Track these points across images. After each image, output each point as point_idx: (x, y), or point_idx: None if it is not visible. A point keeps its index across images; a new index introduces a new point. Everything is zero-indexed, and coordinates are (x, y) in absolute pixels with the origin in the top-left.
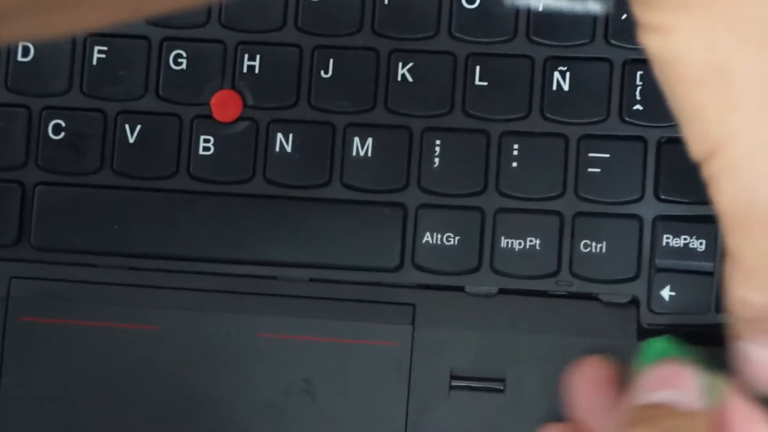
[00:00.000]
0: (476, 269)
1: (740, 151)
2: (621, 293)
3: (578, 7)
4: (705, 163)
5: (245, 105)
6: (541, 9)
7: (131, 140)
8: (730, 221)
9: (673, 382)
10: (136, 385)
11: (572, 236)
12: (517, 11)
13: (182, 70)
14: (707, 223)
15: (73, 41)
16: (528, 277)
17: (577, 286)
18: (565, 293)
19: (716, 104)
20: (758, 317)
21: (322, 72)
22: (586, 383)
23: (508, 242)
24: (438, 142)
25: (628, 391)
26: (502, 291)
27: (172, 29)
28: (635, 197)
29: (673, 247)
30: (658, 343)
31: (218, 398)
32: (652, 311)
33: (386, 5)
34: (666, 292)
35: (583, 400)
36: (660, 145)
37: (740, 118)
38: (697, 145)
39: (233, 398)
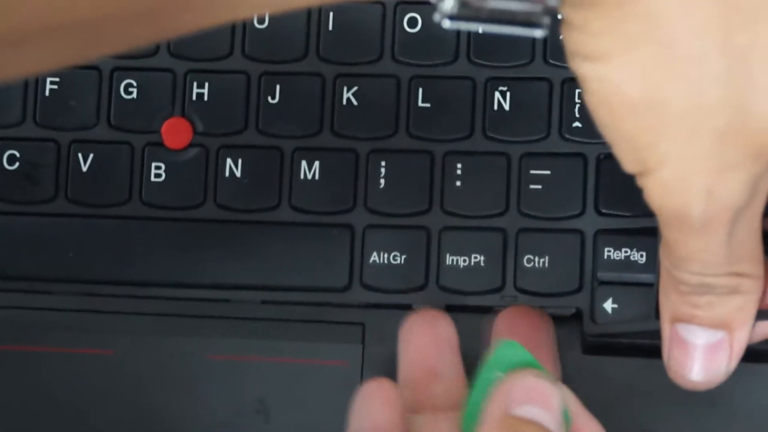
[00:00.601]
0: (423, 287)
1: (671, 175)
2: (565, 306)
3: (517, 32)
4: (638, 178)
5: (195, 132)
6: (480, 31)
7: (84, 169)
8: (664, 223)
9: (542, 400)
10: (93, 409)
11: (516, 252)
12: (458, 34)
13: (133, 99)
14: (647, 236)
15: None
16: (473, 293)
17: (522, 301)
18: None
19: (648, 132)
20: (692, 292)
21: (269, 98)
22: (425, 341)
23: (453, 259)
24: (383, 163)
25: (497, 393)
26: (449, 307)
27: (122, 59)
28: (576, 212)
29: (614, 259)
30: (511, 348)
31: (173, 420)
32: (595, 323)
33: (330, 31)
34: (608, 305)
35: (421, 359)
36: (599, 160)
37: (671, 146)
38: (628, 165)
39: (188, 420)
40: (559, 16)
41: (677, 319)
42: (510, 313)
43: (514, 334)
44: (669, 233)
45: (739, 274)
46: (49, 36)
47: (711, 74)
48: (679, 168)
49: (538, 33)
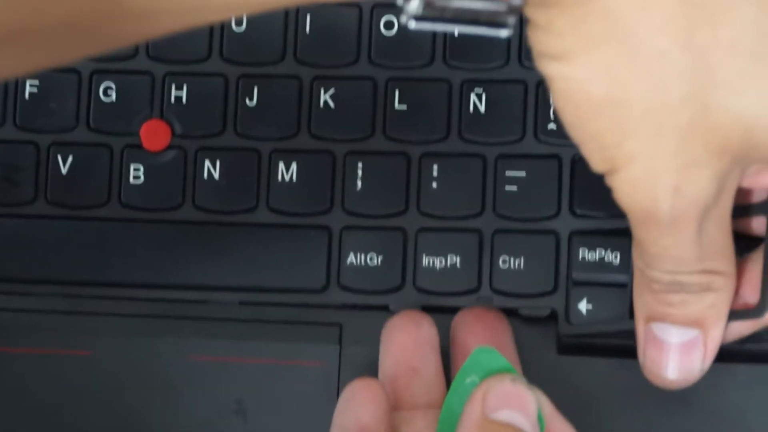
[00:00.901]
0: (399, 288)
1: (638, 172)
2: (540, 307)
3: (482, 32)
4: (606, 176)
5: (173, 134)
6: (446, 32)
7: (64, 171)
8: (634, 222)
9: (518, 404)
10: (71, 410)
11: (491, 253)
12: (434, 37)
13: (112, 101)
14: (621, 237)
15: None
16: (450, 294)
17: (498, 301)
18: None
19: (614, 130)
20: (666, 290)
21: (247, 100)
22: (408, 340)
23: (429, 260)
24: (360, 165)
25: (473, 397)
26: (425, 308)
27: (101, 62)
28: (552, 213)
29: (588, 260)
30: (488, 353)
31: (151, 421)
32: (570, 324)
33: (308, 34)
34: (583, 305)
35: (403, 358)
36: (574, 162)
37: (638, 144)
38: (596, 164)
39: (166, 420)
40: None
41: (651, 318)
42: (468, 315)
43: (474, 335)
44: (639, 232)
45: (710, 272)
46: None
47: (673, 71)
48: (646, 165)
49: (503, 32)
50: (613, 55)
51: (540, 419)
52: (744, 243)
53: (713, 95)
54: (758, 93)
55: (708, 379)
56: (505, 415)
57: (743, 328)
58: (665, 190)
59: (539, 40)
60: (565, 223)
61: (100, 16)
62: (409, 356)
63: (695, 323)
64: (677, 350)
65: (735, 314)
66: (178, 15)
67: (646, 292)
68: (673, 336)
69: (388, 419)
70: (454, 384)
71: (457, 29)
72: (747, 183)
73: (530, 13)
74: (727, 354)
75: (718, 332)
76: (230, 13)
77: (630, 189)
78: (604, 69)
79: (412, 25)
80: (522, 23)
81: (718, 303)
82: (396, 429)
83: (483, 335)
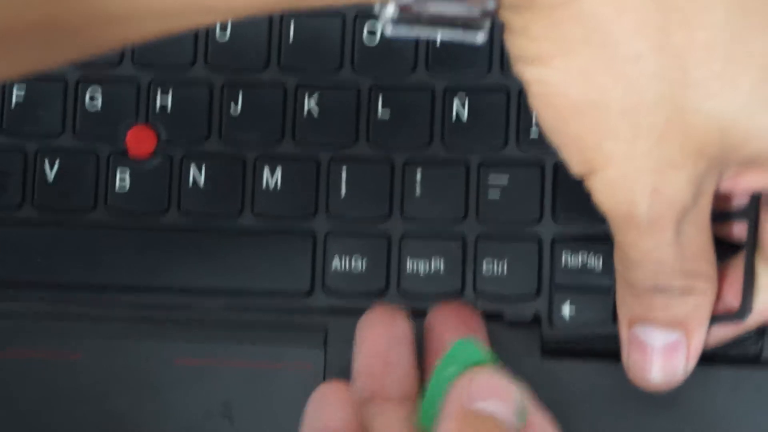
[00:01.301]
0: (384, 291)
1: (616, 174)
2: (523, 311)
3: (458, 36)
4: (585, 180)
5: (159, 140)
6: (438, 43)
7: (51, 177)
8: (614, 225)
9: (499, 395)
10: (59, 413)
11: (475, 258)
12: (416, 44)
13: (97, 108)
14: (604, 242)
15: None
16: (433, 298)
17: (481, 305)
18: None
19: (591, 132)
20: (647, 293)
21: (232, 107)
22: (381, 334)
23: (414, 265)
24: (344, 171)
25: (456, 388)
26: (411, 312)
27: (87, 69)
28: (534, 219)
29: (571, 265)
30: (469, 344)
31: (139, 424)
32: (553, 327)
33: (291, 42)
34: (567, 309)
35: (376, 352)
36: (556, 168)
37: (614, 146)
38: (575, 167)
39: (154, 423)
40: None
41: (634, 321)
42: (444, 309)
43: (448, 328)
44: (620, 235)
45: (691, 275)
46: None
47: (648, 73)
48: (623, 167)
49: (479, 36)
50: (588, 57)
51: (522, 410)
52: (724, 249)
53: (688, 97)
54: (733, 95)
55: (692, 382)
56: (486, 405)
57: (726, 332)
58: (643, 192)
59: (515, 45)
60: (547, 229)
61: (82, 20)
62: (382, 350)
63: (678, 326)
64: (660, 353)
65: (718, 318)
66: (160, 19)
67: (628, 296)
68: (657, 339)
69: (357, 422)
70: (435, 375)
71: (433, 34)
72: (726, 186)
73: (505, 17)
74: (710, 357)
75: (701, 334)
76: (214, 18)
77: (608, 190)
78: (580, 72)
79: (389, 30)
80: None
81: (700, 305)
82: (369, 422)
83: (458, 329)
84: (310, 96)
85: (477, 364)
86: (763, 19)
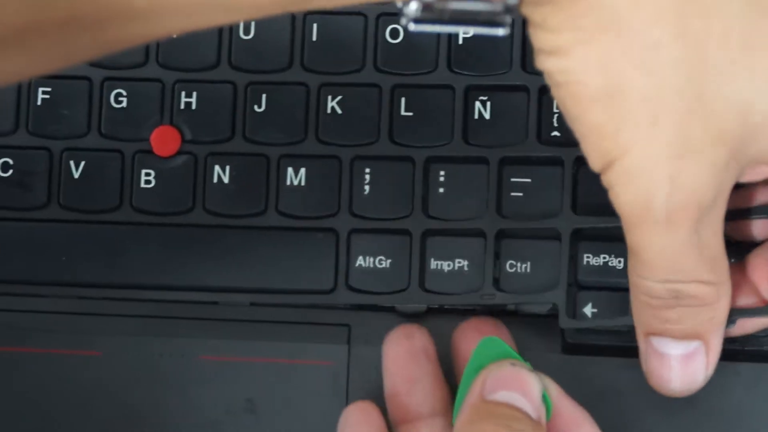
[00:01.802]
0: (406, 289)
1: (635, 162)
2: (545, 308)
3: (480, 31)
4: (604, 173)
5: (183, 140)
6: (460, 42)
7: (76, 176)
8: (629, 222)
9: (519, 385)
10: (82, 410)
11: (497, 255)
12: (437, 43)
13: (123, 108)
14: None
15: (19, 83)
16: (454, 294)
17: (499, 298)
18: (490, 310)
19: (611, 120)
20: (663, 306)
21: (255, 107)
22: (401, 352)
23: (437, 263)
24: (367, 170)
25: (474, 384)
26: (431, 309)
27: (112, 70)
28: (555, 217)
29: (593, 265)
30: (493, 343)
31: (163, 419)
32: (571, 319)
33: (314, 42)
34: (588, 309)
35: (398, 370)
36: (577, 166)
37: (633, 133)
38: (595, 159)
39: (177, 419)
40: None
41: (650, 333)
42: (468, 327)
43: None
44: (634, 236)
45: (706, 282)
46: None
47: (668, 60)
48: (641, 155)
49: (501, 31)
50: (607, 47)
51: (546, 400)
52: (735, 248)
53: (708, 83)
54: (751, 79)
55: (712, 378)
56: (502, 395)
57: (755, 324)
58: (661, 180)
59: (536, 37)
60: (568, 226)
61: (107, 16)
62: (404, 369)
63: (695, 336)
64: (679, 362)
65: (748, 312)
66: (185, 16)
67: (643, 308)
68: (674, 348)
69: None
70: (463, 378)
71: (455, 30)
72: (747, 177)
73: (526, 11)
74: (730, 353)
75: (718, 340)
76: (237, 17)
77: (625, 181)
78: (599, 61)
79: (412, 27)
80: (522, 29)
81: (716, 314)
82: None
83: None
84: (333, 95)
85: (499, 359)
86: None
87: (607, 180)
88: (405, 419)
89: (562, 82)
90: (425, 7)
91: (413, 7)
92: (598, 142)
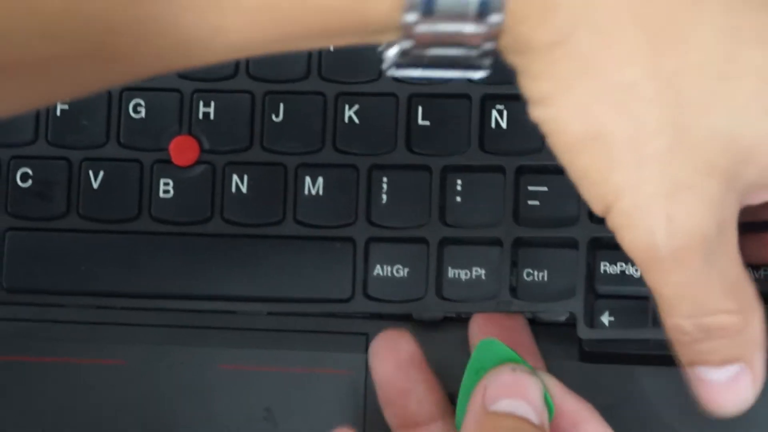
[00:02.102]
0: (423, 297)
1: (630, 204)
2: (562, 316)
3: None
4: (606, 217)
5: (202, 149)
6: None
7: (95, 186)
8: (640, 264)
9: (520, 391)
10: (106, 418)
11: (513, 263)
12: None
13: (141, 118)
14: None
15: None
16: (471, 301)
17: (516, 306)
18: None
19: (599, 165)
20: (695, 339)
21: (273, 116)
22: (388, 367)
23: (454, 271)
24: (384, 179)
25: (475, 392)
26: (448, 318)
27: None
28: (573, 224)
29: (610, 273)
30: (492, 345)
31: (183, 428)
32: (589, 328)
33: (331, 52)
34: (605, 318)
35: (389, 384)
36: None
37: (623, 176)
38: (594, 204)
39: (197, 428)
40: None
41: (691, 364)
42: (481, 319)
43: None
44: (650, 277)
45: (731, 312)
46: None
47: (645, 99)
48: (634, 197)
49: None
50: (586, 92)
51: (548, 402)
52: None
53: (688, 117)
54: (733, 108)
55: None
56: (505, 405)
57: None
58: (658, 220)
59: (523, 86)
60: (585, 234)
61: (132, 52)
62: (394, 382)
63: (734, 360)
64: (725, 386)
65: None
66: (168, 58)
67: (677, 344)
68: (716, 375)
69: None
70: (463, 381)
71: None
72: (752, 201)
73: (510, 59)
74: None
75: (760, 355)
76: (226, 57)
77: (625, 224)
78: (579, 106)
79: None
80: None
81: (750, 336)
82: None
83: (499, 337)
84: (350, 104)
85: (499, 364)
86: (755, 33)
87: (610, 224)
88: (403, 426)
89: (550, 131)
90: (404, 53)
91: (392, 53)
92: (593, 187)
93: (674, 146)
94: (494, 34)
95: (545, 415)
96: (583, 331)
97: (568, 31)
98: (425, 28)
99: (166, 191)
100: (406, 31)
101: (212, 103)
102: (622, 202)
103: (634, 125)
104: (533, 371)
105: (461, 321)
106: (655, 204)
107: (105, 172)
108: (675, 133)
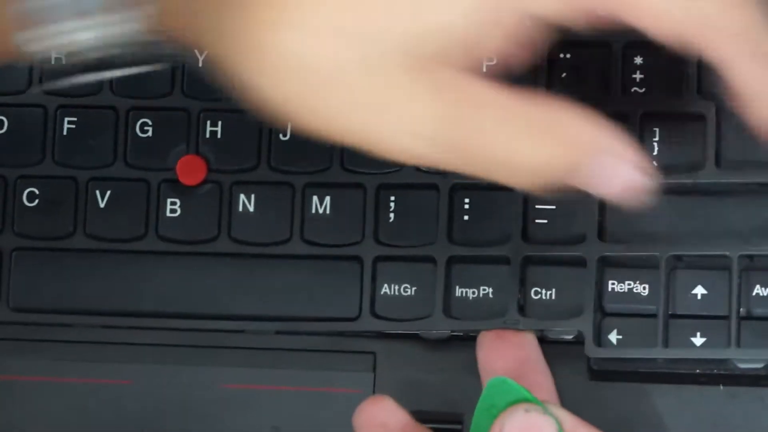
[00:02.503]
0: (430, 315)
1: None
2: (571, 335)
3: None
4: None
5: (209, 169)
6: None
7: (102, 205)
8: None
9: None
10: None
11: (521, 281)
12: None
13: (148, 137)
14: (650, 268)
15: (45, 113)
16: (478, 319)
17: (524, 324)
18: None
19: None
20: None
21: (280, 135)
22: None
23: (461, 289)
24: (392, 197)
25: None
26: (455, 336)
27: (138, 99)
28: (581, 242)
29: (618, 291)
30: (503, 385)
31: None
32: (597, 347)
33: None
34: (614, 336)
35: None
36: None
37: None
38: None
39: None
40: None
41: None
42: (488, 336)
43: (501, 356)
44: None
45: None
46: None
47: None
48: None
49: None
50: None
51: None
52: None
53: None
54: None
55: (737, 404)
56: None
57: None
58: None
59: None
60: (593, 252)
61: None
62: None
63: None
64: None
65: None
66: None
67: None
68: None
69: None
70: (474, 420)
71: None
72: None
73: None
74: (756, 378)
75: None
76: None
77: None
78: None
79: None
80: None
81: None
82: None
83: (507, 354)
84: None
85: (511, 404)
86: None
87: None
88: None
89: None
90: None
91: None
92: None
93: None
94: None
95: None
96: (591, 350)
97: None
98: None
99: (173, 210)
100: None
101: (219, 123)
102: None
103: None
104: (545, 409)
105: (469, 339)
106: None
107: (112, 191)
108: None
